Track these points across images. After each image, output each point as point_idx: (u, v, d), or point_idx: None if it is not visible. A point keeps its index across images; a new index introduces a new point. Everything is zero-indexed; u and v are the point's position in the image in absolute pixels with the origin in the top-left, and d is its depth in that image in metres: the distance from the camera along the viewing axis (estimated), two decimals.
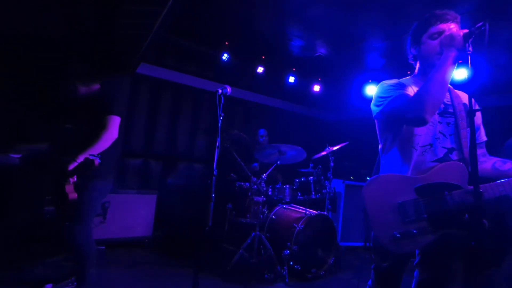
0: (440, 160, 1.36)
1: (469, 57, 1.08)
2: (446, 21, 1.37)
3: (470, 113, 1.03)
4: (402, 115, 1.32)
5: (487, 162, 1.46)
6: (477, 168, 1.02)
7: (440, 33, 1.36)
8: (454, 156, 1.38)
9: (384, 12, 3.29)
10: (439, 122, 1.40)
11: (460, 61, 1.24)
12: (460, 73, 3.70)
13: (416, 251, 1.43)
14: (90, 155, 1.80)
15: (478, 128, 1.50)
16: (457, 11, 2.99)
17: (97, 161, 1.77)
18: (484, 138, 1.52)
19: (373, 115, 1.49)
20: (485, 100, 4.16)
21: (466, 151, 1.37)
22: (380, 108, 1.42)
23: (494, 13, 3.09)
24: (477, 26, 1.07)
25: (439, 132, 1.39)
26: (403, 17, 3.25)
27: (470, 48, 1.09)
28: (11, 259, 2.74)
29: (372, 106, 1.48)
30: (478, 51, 1.06)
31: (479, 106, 1.20)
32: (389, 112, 1.39)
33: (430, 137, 1.38)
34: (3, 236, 2.84)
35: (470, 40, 1.09)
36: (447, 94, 1.47)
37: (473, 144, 1.07)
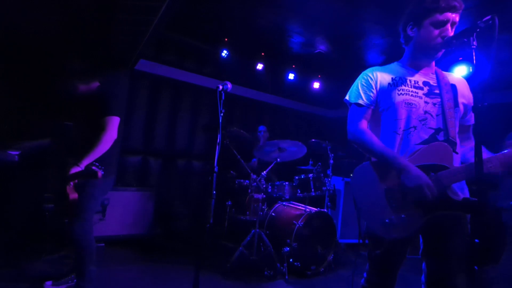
0: (426, 142, 1.35)
1: (473, 52, 1.06)
2: (452, 9, 1.33)
3: (475, 109, 1.02)
4: (348, 125, 1.51)
5: (465, 147, 1.48)
6: (482, 165, 1.01)
7: (444, 22, 1.33)
8: (441, 136, 1.36)
9: (384, 8, 3.27)
10: (425, 102, 1.39)
11: (460, 58, 1.24)
12: (460, 70, 3.69)
13: (420, 239, 1.41)
14: (94, 164, 1.80)
15: (470, 110, 1.46)
16: None
17: (100, 173, 1.78)
18: (472, 121, 1.50)
19: None
20: (486, 97, 4.16)
21: (452, 130, 1.34)
22: (347, 104, 1.56)
23: (494, 10, 3.08)
24: (484, 20, 1.05)
25: (426, 112, 1.38)
26: (403, 14, 3.23)
27: (474, 43, 1.07)
28: (10, 256, 2.74)
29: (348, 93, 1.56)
30: (484, 47, 1.04)
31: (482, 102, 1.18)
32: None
33: (413, 119, 1.37)
34: (2, 233, 2.83)
35: (474, 34, 1.07)
36: (433, 76, 1.47)
37: (478, 144, 1.06)
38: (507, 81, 4.00)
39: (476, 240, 1.03)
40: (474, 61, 1.05)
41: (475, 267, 1.07)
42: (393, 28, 3.86)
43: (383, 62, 4.68)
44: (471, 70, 1.08)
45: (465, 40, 1.12)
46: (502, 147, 2.21)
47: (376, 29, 3.78)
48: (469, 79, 1.07)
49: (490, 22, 1.02)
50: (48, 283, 2.28)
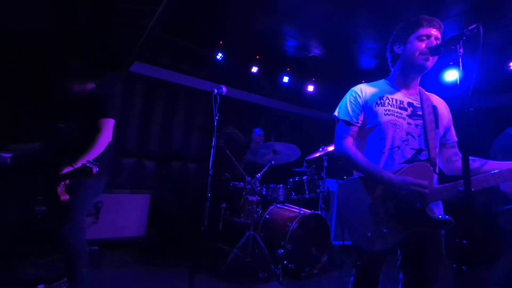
0: (409, 161, 1.41)
1: (460, 59, 1.10)
2: (433, 26, 1.43)
3: (463, 113, 1.05)
4: (334, 141, 1.53)
5: (459, 161, 1.52)
6: (469, 168, 1.04)
7: (428, 36, 1.42)
8: (422, 156, 1.42)
9: (378, 13, 3.33)
10: (408, 123, 1.44)
11: (451, 63, 1.28)
12: (450, 75, 3.76)
13: (398, 251, 1.49)
14: (88, 161, 1.79)
15: (449, 129, 1.55)
16: (447, 14, 3.05)
17: (95, 169, 1.77)
18: (455, 139, 1.58)
19: None
20: (475, 101, 4.25)
21: (433, 151, 1.41)
22: (335, 119, 1.58)
23: (484, 17, 3.15)
24: (469, 28, 1.09)
25: (408, 133, 1.43)
26: (396, 19, 3.27)
27: (461, 50, 1.10)
28: (2, 260, 2.70)
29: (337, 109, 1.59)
30: (470, 54, 1.08)
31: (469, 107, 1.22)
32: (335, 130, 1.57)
33: (397, 140, 1.43)
34: None
35: (461, 42, 1.10)
36: (417, 97, 1.53)
37: (466, 147, 1.09)
38: (497, 86, 4.09)
39: (464, 241, 1.06)
40: (461, 68, 1.08)
41: (463, 267, 1.10)
42: (386, 32, 3.93)
43: (376, 66, 4.76)
44: (460, 75, 1.11)
45: (452, 47, 1.15)
46: (490, 150, 2.26)
47: (369, 33, 3.84)
48: (457, 84, 1.10)
49: (475, 30, 1.06)
50: (41, 286, 2.26)
